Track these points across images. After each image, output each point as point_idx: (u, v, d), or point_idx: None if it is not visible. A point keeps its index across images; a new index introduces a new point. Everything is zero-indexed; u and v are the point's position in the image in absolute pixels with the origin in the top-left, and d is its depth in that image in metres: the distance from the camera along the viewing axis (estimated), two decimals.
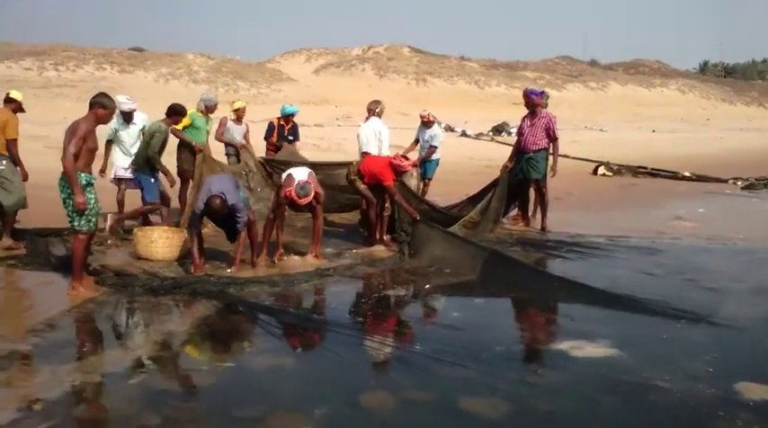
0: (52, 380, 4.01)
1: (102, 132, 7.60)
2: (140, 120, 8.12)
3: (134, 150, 7.96)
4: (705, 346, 4.82)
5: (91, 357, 4.47)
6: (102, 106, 5.65)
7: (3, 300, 5.79)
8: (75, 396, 3.85)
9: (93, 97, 5.75)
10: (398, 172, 7.63)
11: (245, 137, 9.47)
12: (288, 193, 6.71)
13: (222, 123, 9.36)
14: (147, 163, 7.59)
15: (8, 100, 7.38)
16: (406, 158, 7.70)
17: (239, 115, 9.43)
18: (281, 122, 9.83)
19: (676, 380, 4.13)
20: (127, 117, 7.98)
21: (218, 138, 9.33)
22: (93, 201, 5.63)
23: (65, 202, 5.63)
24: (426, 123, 9.78)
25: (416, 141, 9.99)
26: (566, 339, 4.86)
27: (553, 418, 3.75)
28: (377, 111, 8.58)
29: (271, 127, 9.88)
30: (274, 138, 9.78)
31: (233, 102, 9.89)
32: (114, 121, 7.82)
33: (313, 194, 6.75)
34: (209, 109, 8.79)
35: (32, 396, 3.80)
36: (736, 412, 3.76)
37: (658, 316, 5.37)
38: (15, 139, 7.20)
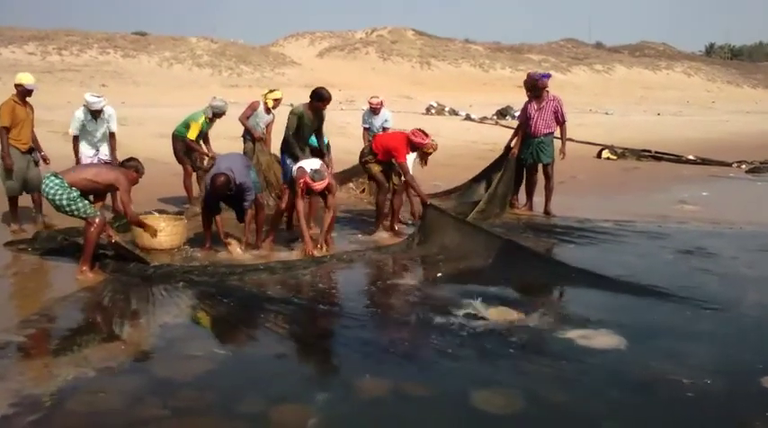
0: (45, 373, 3.98)
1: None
2: (107, 113, 8.00)
3: (100, 144, 7.98)
4: (720, 336, 4.77)
5: (85, 349, 4.40)
6: (136, 169, 6.24)
7: (5, 287, 5.73)
8: (69, 390, 3.76)
9: (132, 161, 6.37)
10: (416, 148, 7.49)
11: (268, 128, 9.15)
12: (303, 182, 6.56)
13: (252, 107, 8.94)
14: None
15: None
16: (426, 135, 7.55)
17: (276, 104, 9.05)
18: None
19: (693, 374, 4.02)
20: (96, 113, 7.91)
21: (242, 119, 8.87)
22: (77, 197, 5.87)
23: (61, 207, 5.89)
24: (375, 109, 9.68)
25: (366, 129, 9.81)
26: (578, 329, 4.73)
27: (565, 412, 3.67)
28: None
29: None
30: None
31: (272, 90, 9.34)
32: (82, 115, 7.86)
33: (327, 180, 6.63)
34: (216, 115, 8.58)
35: (25, 390, 3.72)
36: (754, 407, 3.68)
37: (673, 304, 5.31)
38: (4, 127, 7.10)
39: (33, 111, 7.48)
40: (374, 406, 3.73)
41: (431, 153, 7.64)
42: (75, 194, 5.84)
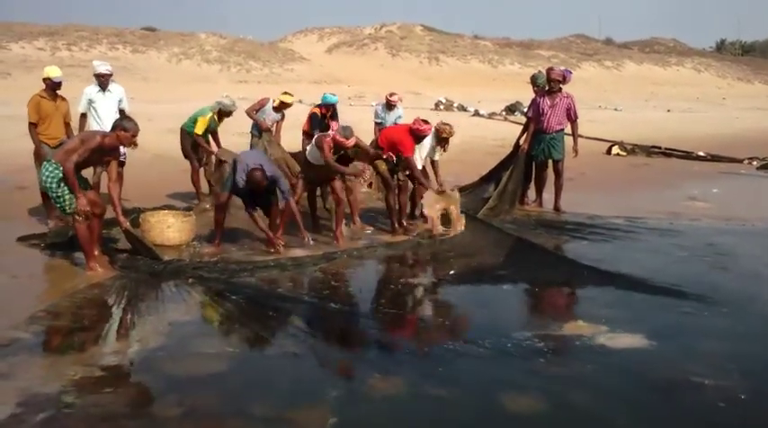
0: (53, 372, 3.93)
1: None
2: (117, 91, 7.89)
3: (109, 122, 7.51)
4: (739, 335, 4.71)
5: (93, 346, 4.35)
6: (122, 128, 5.83)
7: (15, 283, 5.67)
8: (77, 389, 3.72)
9: (116, 120, 6.13)
10: (419, 137, 7.45)
11: (277, 126, 9.04)
12: (332, 138, 6.67)
13: (261, 103, 8.92)
14: None
15: None
16: (426, 122, 7.47)
17: (283, 106, 8.94)
18: (323, 111, 9.12)
19: (715, 374, 3.98)
20: (102, 82, 7.73)
21: (249, 111, 8.88)
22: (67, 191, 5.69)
23: (49, 189, 5.75)
24: (392, 105, 9.54)
25: (378, 124, 9.61)
26: (599, 330, 4.67)
27: (589, 417, 3.61)
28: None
29: (316, 117, 9.03)
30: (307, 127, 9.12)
31: (285, 92, 9.18)
32: (90, 89, 7.75)
33: (355, 140, 6.78)
34: (223, 113, 8.49)
35: (33, 388, 3.69)
36: None
37: (690, 302, 5.24)
38: (31, 123, 7.18)
39: (66, 103, 7.47)
40: (391, 406, 3.69)
41: (447, 137, 7.60)
42: (58, 179, 5.66)
